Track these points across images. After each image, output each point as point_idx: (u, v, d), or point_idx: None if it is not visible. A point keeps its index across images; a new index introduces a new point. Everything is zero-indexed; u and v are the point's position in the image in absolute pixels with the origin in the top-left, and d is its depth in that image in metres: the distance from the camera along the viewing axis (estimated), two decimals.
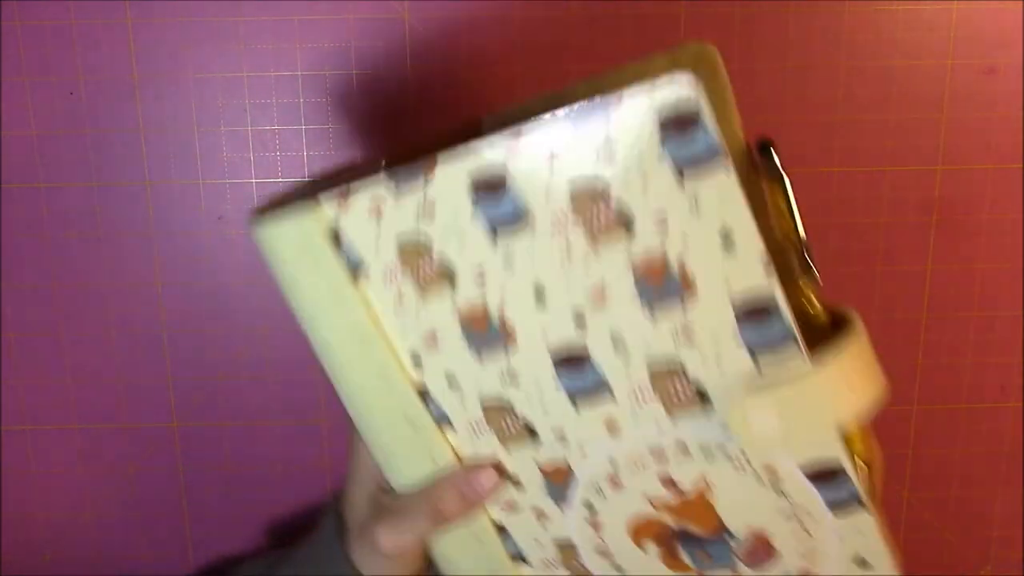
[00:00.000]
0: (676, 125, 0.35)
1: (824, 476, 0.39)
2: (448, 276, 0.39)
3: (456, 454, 0.42)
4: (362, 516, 0.46)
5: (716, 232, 0.36)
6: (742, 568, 0.43)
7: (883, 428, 0.60)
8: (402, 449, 0.42)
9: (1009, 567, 0.63)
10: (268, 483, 0.60)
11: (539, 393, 0.40)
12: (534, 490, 0.42)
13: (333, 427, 0.59)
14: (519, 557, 0.44)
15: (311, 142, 0.55)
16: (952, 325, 0.58)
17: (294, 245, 0.40)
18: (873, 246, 0.57)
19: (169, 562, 0.61)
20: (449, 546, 0.44)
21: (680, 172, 0.36)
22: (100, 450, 0.59)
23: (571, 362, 0.39)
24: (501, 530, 0.44)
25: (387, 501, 0.45)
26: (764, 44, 0.54)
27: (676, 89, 0.35)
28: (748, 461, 0.40)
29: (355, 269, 0.39)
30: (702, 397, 0.39)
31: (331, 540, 0.47)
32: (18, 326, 0.57)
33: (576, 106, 0.36)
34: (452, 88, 0.54)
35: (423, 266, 0.39)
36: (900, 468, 0.61)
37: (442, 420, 0.41)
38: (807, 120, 0.55)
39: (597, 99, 0.36)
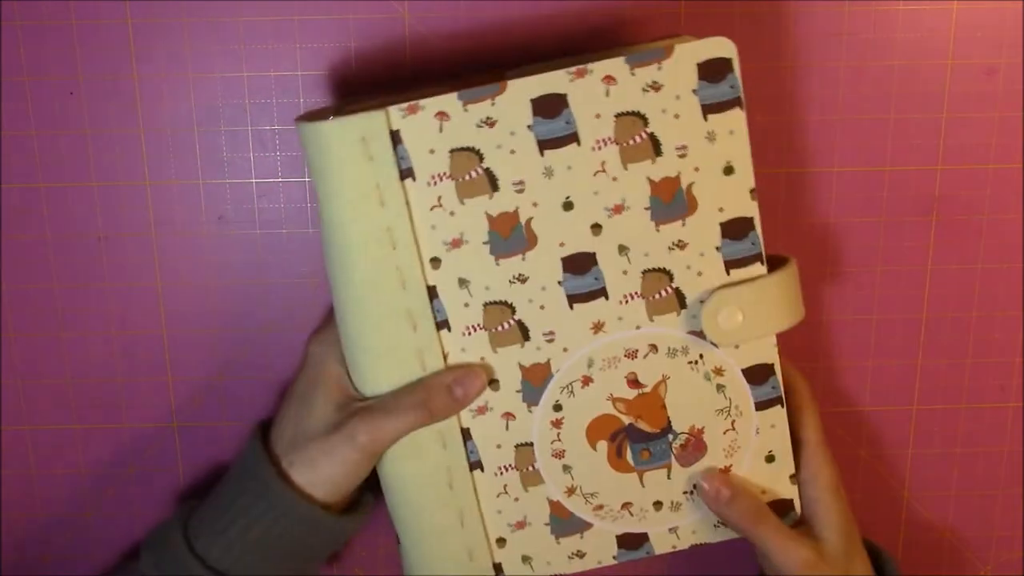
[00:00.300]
0: (712, 74, 0.45)
1: (758, 376, 0.50)
2: (490, 184, 0.46)
3: (444, 357, 0.48)
4: (326, 425, 0.48)
5: (722, 161, 0.47)
6: (675, 466, 0.51)
7: (883, 428, 0.60)
8: (394, 350, 0.47)
9: (1009, 567, 0.63)
10: None
11: (542, 293, 0.48)
12: (509, 391, 0.49)
13: None
14: (476, 464, 0.50)
15: None
16: (952, 325, 0.59)
17: (354, 141, 0.45)
18: (873, 246, 0.57)
19: None
20: (409, 452, 0.48)
21: (706, 110, 0.46)
22: (100, 450, 0.59)
23: (579, 266, 0.47)
24: (465, 436, 0.49)
25: (367, 402, 0.48)
26: (764, 44, 0.54)
27: (717, 47, 0.45)
28: (703, 361, 0.49)
29: (406, 169, 0.46)
30: (680, 300, 0.48)
31: (257, 461, 0.49)
32: (18, 326, 0.57)
33: (634, 52, 0.45)
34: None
35: (470, 173, 0.46)
36: (900, 468, 0.61)
37: (441, 324, 0.47)
38: (807, 120, 0.55)
39: (651, 49, 0.45)
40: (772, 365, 0.50)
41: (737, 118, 0.46)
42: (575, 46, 0.54)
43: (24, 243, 0.56)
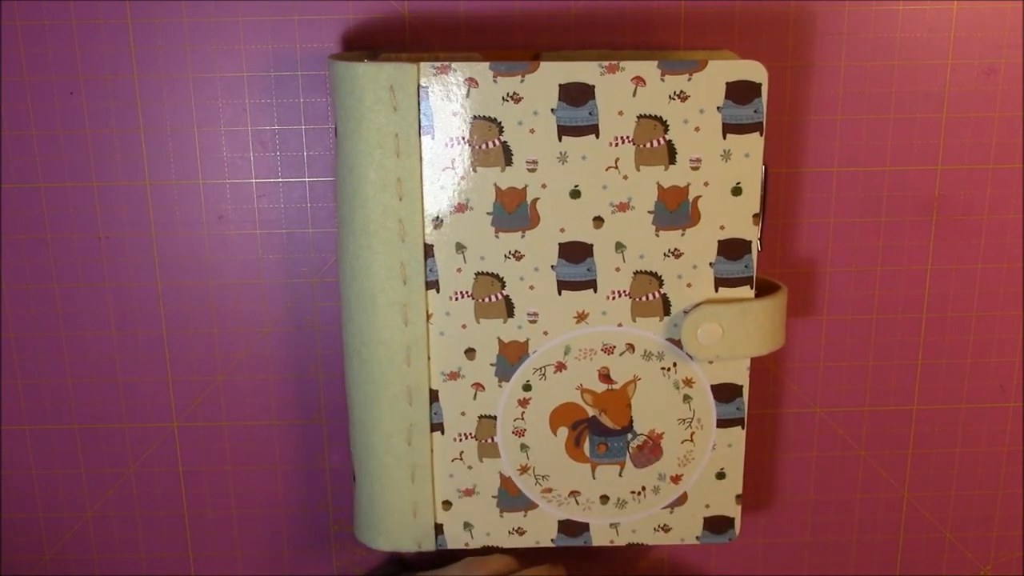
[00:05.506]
0: (739, 95, 0.47)
1: (726, 394, 0.51)
2: (505, 157, 0.47)
3: (428, 317, 0.49)
4: None
5: (732, 181, 0.48)
6: (628, 465, 0.53)
7: (883, 428, 0.60)
8: (381, 298, 0.49)
9: (1009, 567, 0.63)
10: (268, 483, 0.60)
11: (534, 274, 0.49)
12: (484, 363, 0.51)
13: (333, 427, 0.59)
14: (438, 427, 0.52)
15: (311, 142, 0.55)
16: (952, 325, 0.59)
17: (383, 88, 0.46)
18: (873, 246, 0.57)
19: (169, 562, 0.61)
20: (381, 398, 0.51)
21: (727, 129, 0.47)
22: (100, 450, 0.59)
23: (574, 254, 0.49)
24: (432, 398, 0.51)
25: None
26: (764, 44, 0.54)
27: (750, 69, 0.46)
28: (676, 370, 0.51)
29: (426, 126, 0.47)
30: (665, 306, 0.50)
31: None
32: (18, 326, 0.57)
33: (668, 59, 0.46)
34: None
35: (487, 143, 0.47)
36: (900, 468, 0.61)
37: (431, 284, 0.49)
38: (807, 120, 0.55)
39: (684, 59, 0.46)
40: (741, 387, 0.51)
41: (755, 143, 0.47)
42: (574, 47, 0.54)
43: (24, 243, 0.56)
